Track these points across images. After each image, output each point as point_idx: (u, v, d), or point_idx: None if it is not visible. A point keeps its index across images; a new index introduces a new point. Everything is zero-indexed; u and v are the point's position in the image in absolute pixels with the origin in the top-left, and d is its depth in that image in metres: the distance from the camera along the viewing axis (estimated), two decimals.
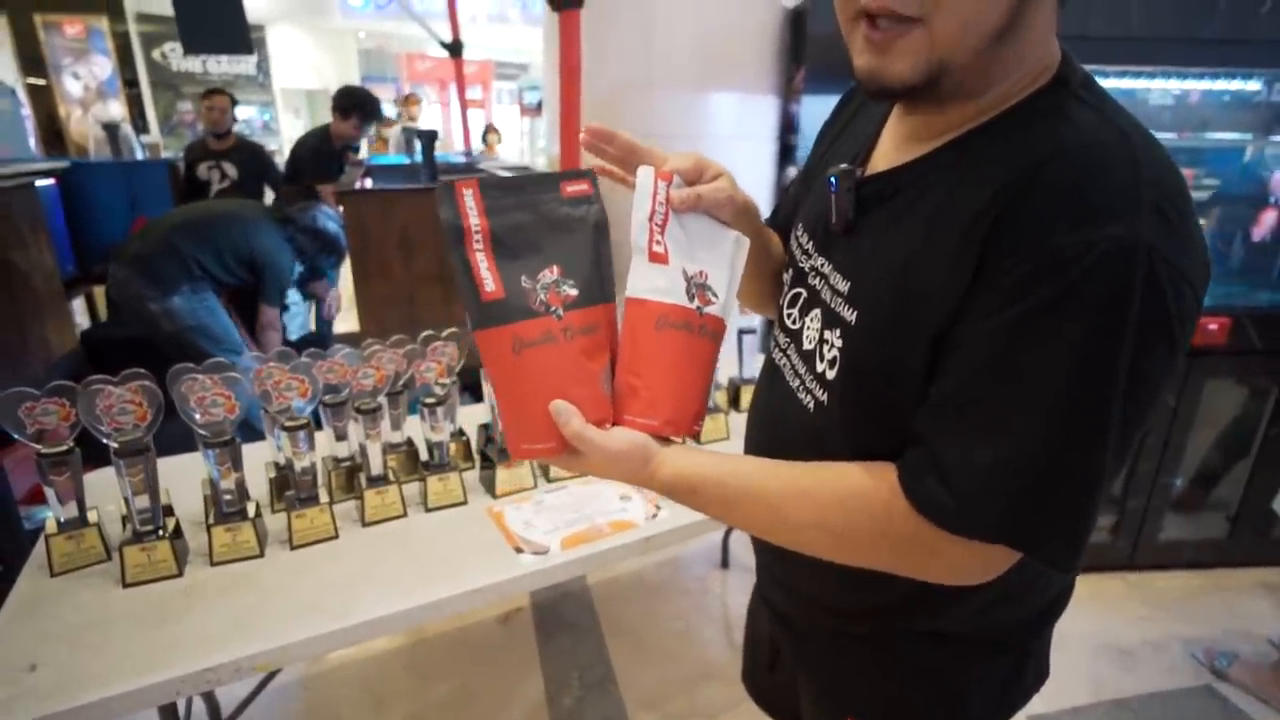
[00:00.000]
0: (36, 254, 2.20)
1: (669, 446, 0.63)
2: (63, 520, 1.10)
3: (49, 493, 1.08)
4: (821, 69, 2.93)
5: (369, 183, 3.00)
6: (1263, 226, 2.22)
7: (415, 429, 1.41)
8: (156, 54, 8.57)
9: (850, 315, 0.62)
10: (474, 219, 0.59)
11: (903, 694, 0.73)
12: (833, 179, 0.65)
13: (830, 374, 0.64)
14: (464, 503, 1.31)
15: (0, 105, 4.22)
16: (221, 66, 8.92)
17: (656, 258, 0.63)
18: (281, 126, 9.69)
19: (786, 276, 0.76)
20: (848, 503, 0.58)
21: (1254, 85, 2.11)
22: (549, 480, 1.40)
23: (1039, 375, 0.50)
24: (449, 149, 7.97)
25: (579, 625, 2.02)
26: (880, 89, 0.55)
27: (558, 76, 2.18)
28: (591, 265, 0.63)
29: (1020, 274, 0.49)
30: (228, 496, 1.12)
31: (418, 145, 4.04)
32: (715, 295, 0.65)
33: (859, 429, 0.62)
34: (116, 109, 7.94)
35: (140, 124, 8.20)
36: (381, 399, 1.25)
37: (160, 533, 1.08)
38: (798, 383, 0.70)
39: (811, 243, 0.71)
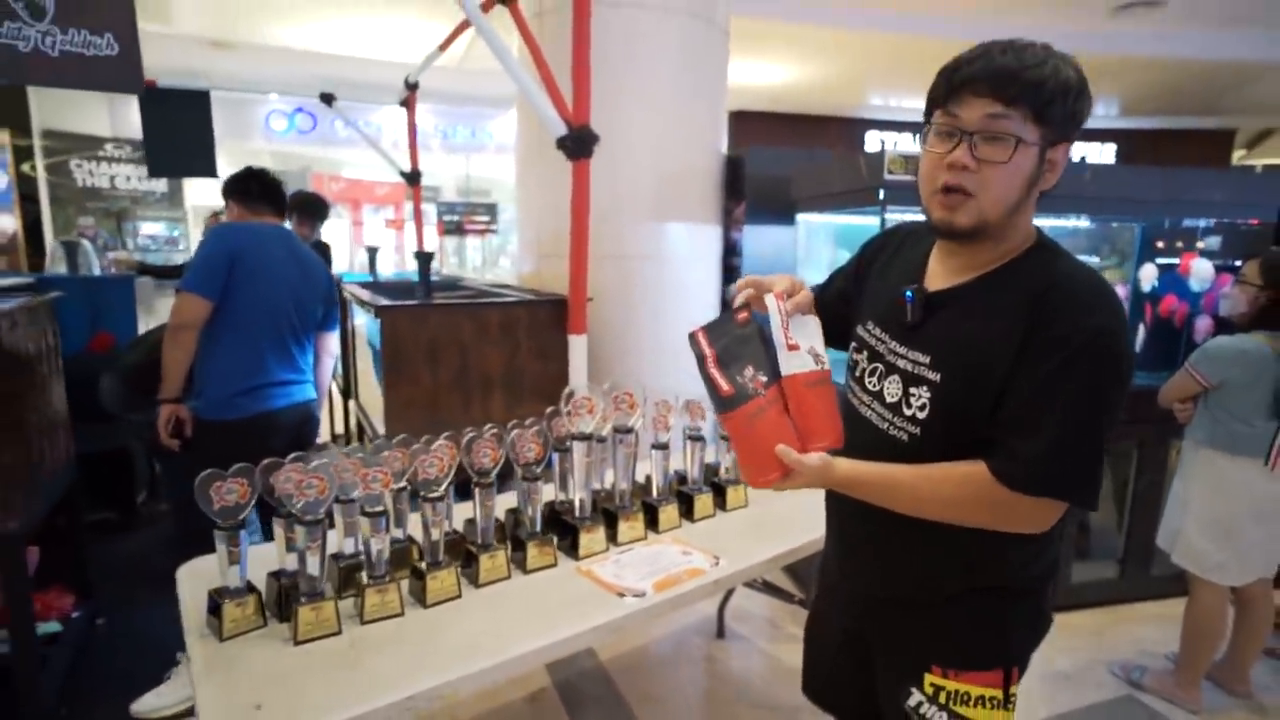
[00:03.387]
0: (50, 368, 2.25)
1: (838, 459, 0.99)
2: (231, 589, 1.24)
3: (222, 565, 1.23)
4: (756, 204, 3.52)
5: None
6: None
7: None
8: (59, 168, 8.39)
9: (934, 376, 0.98)
10: (706, 348, 0.99)
11: (970, 638, 1.05)
12: (909, 293, 1.03)
13: (921, 415, 0.99)
14: (555, 564, 1.53)
15: None
16: (130, 184, 8.85)
17: (793, 348, 1.00)
18: (192, 243, 9.61)
19: (861, 356, 1.12)
20: (959, 483, 0.94)
21: (1085, 222, 2.86)
22: (616, 544, 1.64)
23: (1065, 397, 0.88)
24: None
25: (604, 697, 2.16)
26: (950, 230, 0.96)
27: (547, 203, 2.54)
28: (767, 360, 1.00)
29: (1048, 342, 0.89)
30: (374, 561, 1.30)
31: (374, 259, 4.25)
32: (823, 358, 1.02)
33: (944, 449, 0.97)
34: (8, 222, 7.66)
35: (36, 236, 7.95)
36: (493, 476, 1.48)
37: (324, 594, 1.24)
38: (886, 424, 1.04)
39: (886, 334, 1.07)
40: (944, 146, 0.93)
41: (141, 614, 2.66)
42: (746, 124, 9.83)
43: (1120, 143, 10.27)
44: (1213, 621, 2.13)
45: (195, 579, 1.43)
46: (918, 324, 1.02)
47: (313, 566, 1.23)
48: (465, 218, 11.98)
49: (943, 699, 1.06)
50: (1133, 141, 10.31)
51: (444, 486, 1.39)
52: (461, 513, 1.60)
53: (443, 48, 3.49)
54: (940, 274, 1.04)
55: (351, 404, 3.71)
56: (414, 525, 1.46)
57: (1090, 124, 0.99)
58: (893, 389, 1.04)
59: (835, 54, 7.28)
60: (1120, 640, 2.56)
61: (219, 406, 2.02)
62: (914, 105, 9.68)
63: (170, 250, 9.00)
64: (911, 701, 1.09)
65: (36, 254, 7.90)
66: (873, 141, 10.19)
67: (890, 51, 7.12)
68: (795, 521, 1.76)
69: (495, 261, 10.99)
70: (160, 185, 9.05)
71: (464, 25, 3.06)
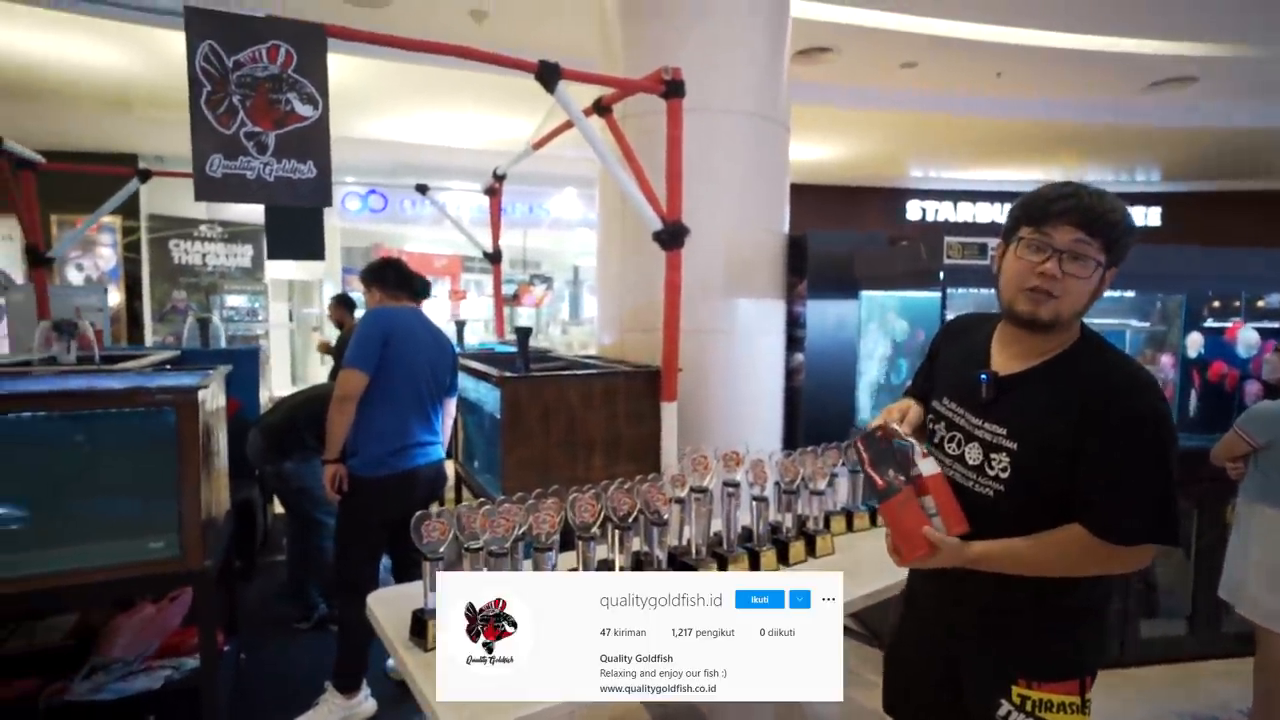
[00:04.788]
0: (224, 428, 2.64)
1: (967, 541, 1.21)
2: (430, 609, 1.53)
3: (426, 588, 1.52)
4: (818, 280, 3.84)
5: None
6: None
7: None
8: (158, 246, 9.21)
9: (1012, 445, 1.23)
10: (865, 454, 1.26)
11: (1049, 652, 1.26)
12: (983, 376, 1.28)
13: (1004, 475, 1.24)
14: None
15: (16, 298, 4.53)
16: (219, 260, 9.63)
17: (925, 455, 1.25)
18: (270, 314, 10.31)
19: (939, 425, 1.36)
20: (1069, 546, 1.17)
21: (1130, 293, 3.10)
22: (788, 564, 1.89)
23: (1136, 463, 1.14)
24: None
25: None
26: (1032, 321, 1.21)
27: (629, 282, 2.87)
28: (899, 466, 1.24)
29: (1114, 423, 1.14)
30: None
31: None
32: (940, 464, 1.28)
33: (1023, 503, 1.21)
34: (114, 296, 8.46)
35: (137, 308, 8.75)
36: (630, 521, 1.75)
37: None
38: (971, 483, 1.28)
39: (964, 408, 1.32)
40: (1036, 257, 1.20)
41: (270, 653, 2.96)
42: (794, 196, 10.32)
43: (1165, 205, 10.34)
44: None
45: (382, 604, 1.72)
46: (991, 402, 1.27)
47: None
48: (522, 288, 12.59)
49: (1029, 707, 1.26)
50: (1178, 205, 10.33)
51: (593, 527, 1.67)
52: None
53: (536, 146, 3.95)
54: (1003, 359, 1.30)
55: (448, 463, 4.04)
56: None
57: (1133, 188, 1.28)
58: (974, 454, 1.28)
59: (879, 132, 7.72)
60: (1191, 695, 2.64)
61: (373, 465, 2.35)
62: (952, 176, 10.03)
63: (250, 320, 9.74)
64: (1001, 711, 1.28)
65: (133, 325, 8.69)
66: (914, 210, 10.54)
67: (932, 128, 7.52)
68: (878, 566, 1.97)
69: (545, 329, 11.45)
70: (244, 261, 9.86)
71: (563, 127, 3.49)
